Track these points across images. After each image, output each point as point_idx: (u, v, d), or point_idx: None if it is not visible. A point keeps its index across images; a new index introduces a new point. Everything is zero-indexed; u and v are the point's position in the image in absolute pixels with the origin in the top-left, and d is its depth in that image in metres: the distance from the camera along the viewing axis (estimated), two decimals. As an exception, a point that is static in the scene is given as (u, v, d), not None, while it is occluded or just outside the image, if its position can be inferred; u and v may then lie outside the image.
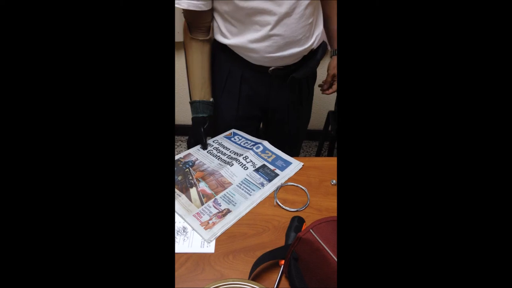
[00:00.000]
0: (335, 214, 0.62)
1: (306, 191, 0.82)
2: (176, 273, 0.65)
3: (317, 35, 0.91)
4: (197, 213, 0.76)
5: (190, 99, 0.97)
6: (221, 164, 0.89)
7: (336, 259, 0.51)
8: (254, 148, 0.94)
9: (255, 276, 0.64)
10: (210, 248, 0.70)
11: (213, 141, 0.98)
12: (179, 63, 1.90)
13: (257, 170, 0.88)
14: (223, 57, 0.96)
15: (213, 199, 0.80)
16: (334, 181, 0.85)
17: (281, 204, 0.79)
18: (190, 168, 0.88)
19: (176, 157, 0.92)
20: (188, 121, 0.99)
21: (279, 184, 0.84)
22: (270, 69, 0.91)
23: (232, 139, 1.00)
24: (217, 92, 0.99)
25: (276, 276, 0.63)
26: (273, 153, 0.94)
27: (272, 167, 0.89)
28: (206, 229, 0.73)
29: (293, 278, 0.57)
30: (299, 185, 0.83)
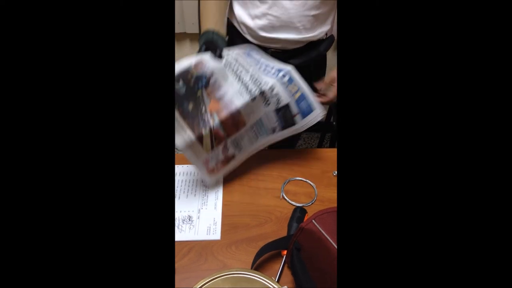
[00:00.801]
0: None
1: (314, 187, 0.82)
2: (179, 264, 0.66)
3: (322, 31, 0.90)
4: (206, 160, 0.72)
5: (200, 34, 0.83)
6: (241, 94, 0.69)
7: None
8: (280, 76, 0.72)
9: (257, 266, 0.64)
10: (216, 235, 0.71)
11: (227, 54, 0.74)
12: (179, 55, 1.89)
13: (278, 111, 0.73)
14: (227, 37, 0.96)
15: (223, 143, 0.72)
16: (336, 172, 0.85)
17: (287, 199, 0.79)
18: (204, 91, 0.67)
19: (185, 63, 0.66)
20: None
21: (291, 130, 0.76)
22: (269, 50, 0.91)
23: (248, 60, 0.77)
24: None
25: (279, 266, 0.64)
26: (300, 87, 0.74)
27: (294, 111, 0.74)
28: (210, 175, 0.74)
29: (295, 268, 0.58)
30: (308, 181, 0.83)
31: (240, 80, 0.71)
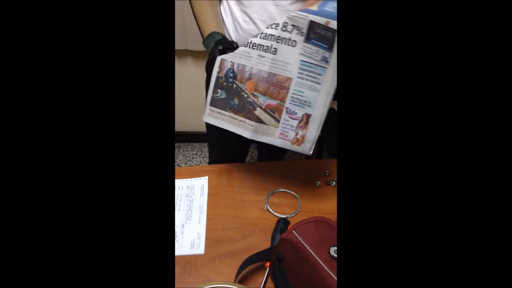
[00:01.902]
0: (320, 215, 0.63)
1: (298, 198, 0.83)
2: (163, 279, 0.66)
3: None
4: (281, 133, 0.72)
5: (203, 39, 0.81)
6: (262, 56, 0.68)
7: (316, 258, 0.52)
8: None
9: (242, 279, 0.65)
10: (200, 249, 0.71)
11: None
12: (182, 72, 1.88)
13: (308, 39, 0.65)
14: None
15: (284, 110, 0.70)
16: (319, 182, 0.86)
17: (271, 210, 0.80)
18: (237, 83, 0.72)
19: (214, 74, 0.73)
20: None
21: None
22: None
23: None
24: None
25: (263, 278, 0.64)
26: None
27: (323, 20, 0.62)
28: (299, 145, 0.71)
29: (277, 279, 0.58)
30: (291, 192, 0.84)
31: (255, 48, 0.69)
